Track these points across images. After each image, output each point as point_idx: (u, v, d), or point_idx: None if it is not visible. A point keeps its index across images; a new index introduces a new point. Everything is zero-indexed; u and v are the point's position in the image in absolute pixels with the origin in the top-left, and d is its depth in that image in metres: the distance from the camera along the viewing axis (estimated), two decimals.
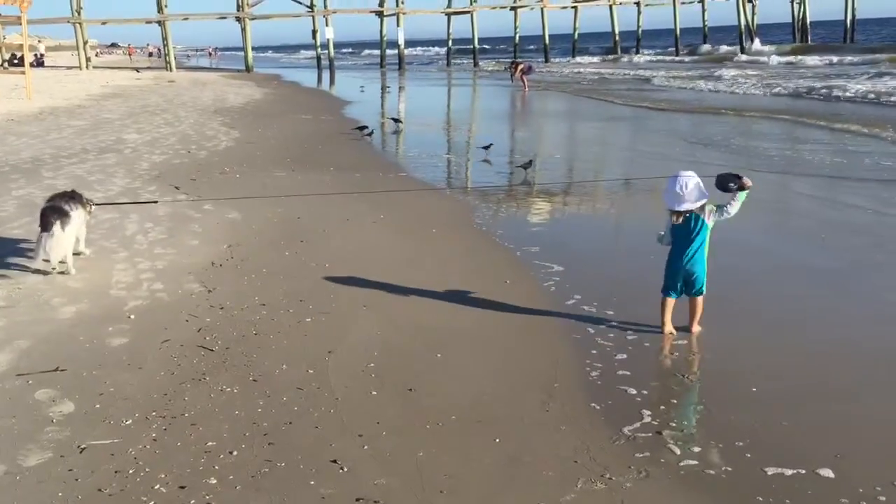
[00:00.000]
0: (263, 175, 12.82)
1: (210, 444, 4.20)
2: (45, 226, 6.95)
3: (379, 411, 4.62)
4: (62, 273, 7.09)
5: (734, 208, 5.72)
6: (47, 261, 7.00)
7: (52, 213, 7.04)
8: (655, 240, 6.09)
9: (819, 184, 12.07)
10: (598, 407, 4.71)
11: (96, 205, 8.18)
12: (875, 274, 7.50)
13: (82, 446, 4.16)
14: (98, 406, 4.61)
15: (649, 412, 4.63)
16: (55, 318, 6.06)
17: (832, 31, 72.90)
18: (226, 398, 4.74)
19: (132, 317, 6.09)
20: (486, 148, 15.05)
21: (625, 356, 5.47)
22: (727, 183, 5.76)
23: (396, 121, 20.33)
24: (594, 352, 5.55)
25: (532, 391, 4.92)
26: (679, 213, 5.75)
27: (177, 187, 11.43)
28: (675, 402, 4.78)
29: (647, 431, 4.41)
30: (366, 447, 4.21)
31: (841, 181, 12.11)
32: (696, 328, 5.94)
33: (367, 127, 18.47)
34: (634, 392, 4.90)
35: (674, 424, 4.49)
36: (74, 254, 7.41)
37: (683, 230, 5.78)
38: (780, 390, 4.98)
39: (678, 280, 5.86)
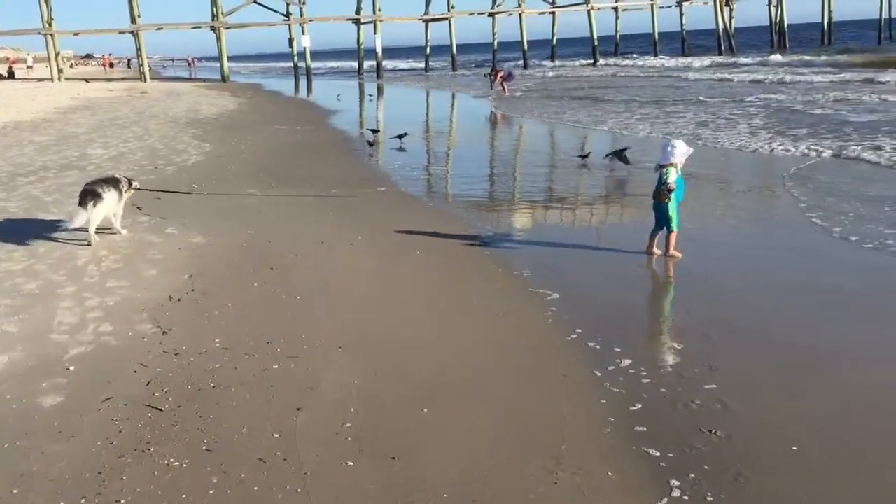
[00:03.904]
0: (234, 192, 12.03)
1: None
2: (82, 203, 8.52)
3: (356, 489, 3.87)
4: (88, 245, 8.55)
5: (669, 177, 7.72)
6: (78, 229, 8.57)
7: (86, 194, 8.60)
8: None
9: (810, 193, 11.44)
10: (615, 477, 3.98)
11: (138, 189, 9.84)
12: None
13: None
14: (16, 492, 3.82)
15: (678, 482, 3.90)
16: None
17: (810, 34, 72.83)
18: (172, 476, 3.96)
19: (71, 368, 5.30)
20: (619, 157, 13.81)
21: (640, 406, 4.75)
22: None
23: (374, 131, 19.55)
24: (604, 401, 4.82)
25: (536, 456, 4.18)
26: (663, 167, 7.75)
27: (139, 207, 10.60)
28: (707, 467, 4.04)
29: None
30: None
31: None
32: (671, 253, 7.79)
33: (404, 135, 18.21)
34: (657, 454, 4.18)
35: (710, 499, 3.76)
36: (112, 232, 9.03)
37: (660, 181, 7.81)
38: (823, 446, 4.28)
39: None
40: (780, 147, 15.36)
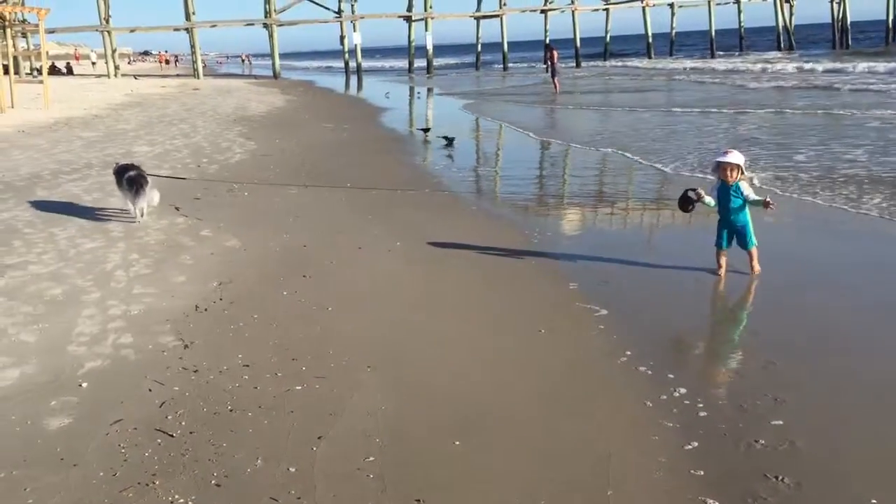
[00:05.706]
0: (275, 192, 11.77)
1: None
2: (141, 187, 9.35)
3: None
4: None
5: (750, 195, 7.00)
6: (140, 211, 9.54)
7: (143, 179, 9.43)
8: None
9: None
10: None
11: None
12: None
13: None
14: None
15: None
16: None
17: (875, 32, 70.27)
18: None
19: (84, 385, 4.99)
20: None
21: (696, 445, 4.25)
22: (687, 204, 7.21)
23: (425, 130, 19.20)
24: (656, 437, 4.34)
25: (579, 502, 3.73)
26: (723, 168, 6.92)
27: (177, 208, 10.39)
28: None
29: None
30: None
31: None
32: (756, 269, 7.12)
33: (452, 139, 17.48)
34: None
35: None
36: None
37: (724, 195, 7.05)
38: None
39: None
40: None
